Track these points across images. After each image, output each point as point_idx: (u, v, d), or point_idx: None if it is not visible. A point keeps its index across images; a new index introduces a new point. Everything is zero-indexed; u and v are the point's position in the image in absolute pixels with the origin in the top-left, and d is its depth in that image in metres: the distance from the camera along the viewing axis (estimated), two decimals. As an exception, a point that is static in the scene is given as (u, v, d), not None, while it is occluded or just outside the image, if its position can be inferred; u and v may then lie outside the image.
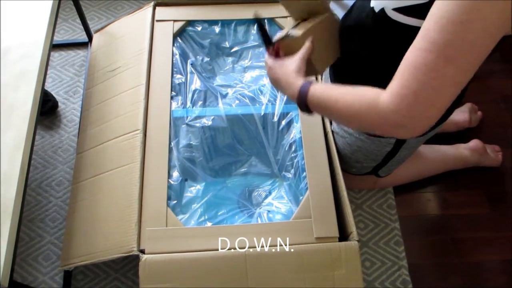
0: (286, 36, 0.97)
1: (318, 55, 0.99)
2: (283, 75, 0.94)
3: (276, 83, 0.97)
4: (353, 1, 1.08)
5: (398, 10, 0.86)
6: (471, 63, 0.68)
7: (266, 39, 0.99)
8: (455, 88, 0.69)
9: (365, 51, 1.01)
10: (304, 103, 0.88)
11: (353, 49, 1.05)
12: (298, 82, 0.91)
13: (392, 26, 0.88)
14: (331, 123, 1.22)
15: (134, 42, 1.35)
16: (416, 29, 0.82)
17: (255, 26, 0.98)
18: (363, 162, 1.27)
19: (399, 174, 1.40)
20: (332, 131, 1.21)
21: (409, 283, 1.31)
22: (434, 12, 0.68)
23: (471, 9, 0.63)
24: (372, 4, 0.93)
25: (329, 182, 1.12)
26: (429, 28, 0.68)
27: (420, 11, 0.81)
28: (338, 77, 1.18)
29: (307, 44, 0.97)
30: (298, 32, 0.96)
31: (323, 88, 0.87)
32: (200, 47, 1.41)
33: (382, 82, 0.96)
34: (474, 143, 1.49)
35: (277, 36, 1.01)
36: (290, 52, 0.97)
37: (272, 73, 0.97)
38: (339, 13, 1.87)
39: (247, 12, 1.40)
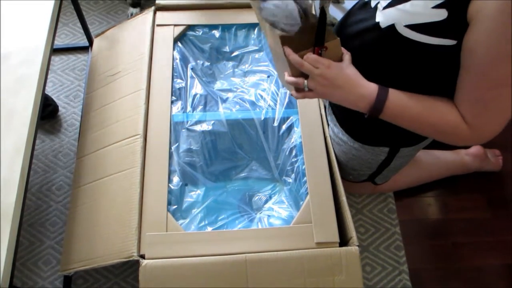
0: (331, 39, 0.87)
1: None
2: (350, 75, 0.87)
3: (334, 83, 0.87)
4: (352, 4, 1.07)
5: (411, 27, 0.84)
6: None
7: (320, 36, 0.85)
8: None
9: (368, 66, 0.98)
10: (381, 106, 0.87)
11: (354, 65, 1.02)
12: (371, 84, 0.88)
13: (402, 42, 0.87)
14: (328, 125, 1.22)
15: (135, 47, 1.35)
16: (428, 46, 0.84)
17: (318, 16, 0.84)
18: (359, 170, 1.27)
19: (400, 179, 1.40)
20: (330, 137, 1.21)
21: (409, 288, 1.31)
22: (480, 51, 0.76)
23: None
24: (378, 19, 0.91)
25: (329, 187, 1.11)
26: (484, 70, 0.77)
27: (436, 29, 0.81)
28: None
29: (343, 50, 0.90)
30: (334, 36, 0.88)
31: (400, 96, 0.88)
32: (200, 51, 1.41)
33: None
34: (475, 148, 1.49)
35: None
36: (329, 57, 0.88)
37: (331, 72, 0.86)
38: (339, 16, 1.88)
39: (247, 17, 1.40)
